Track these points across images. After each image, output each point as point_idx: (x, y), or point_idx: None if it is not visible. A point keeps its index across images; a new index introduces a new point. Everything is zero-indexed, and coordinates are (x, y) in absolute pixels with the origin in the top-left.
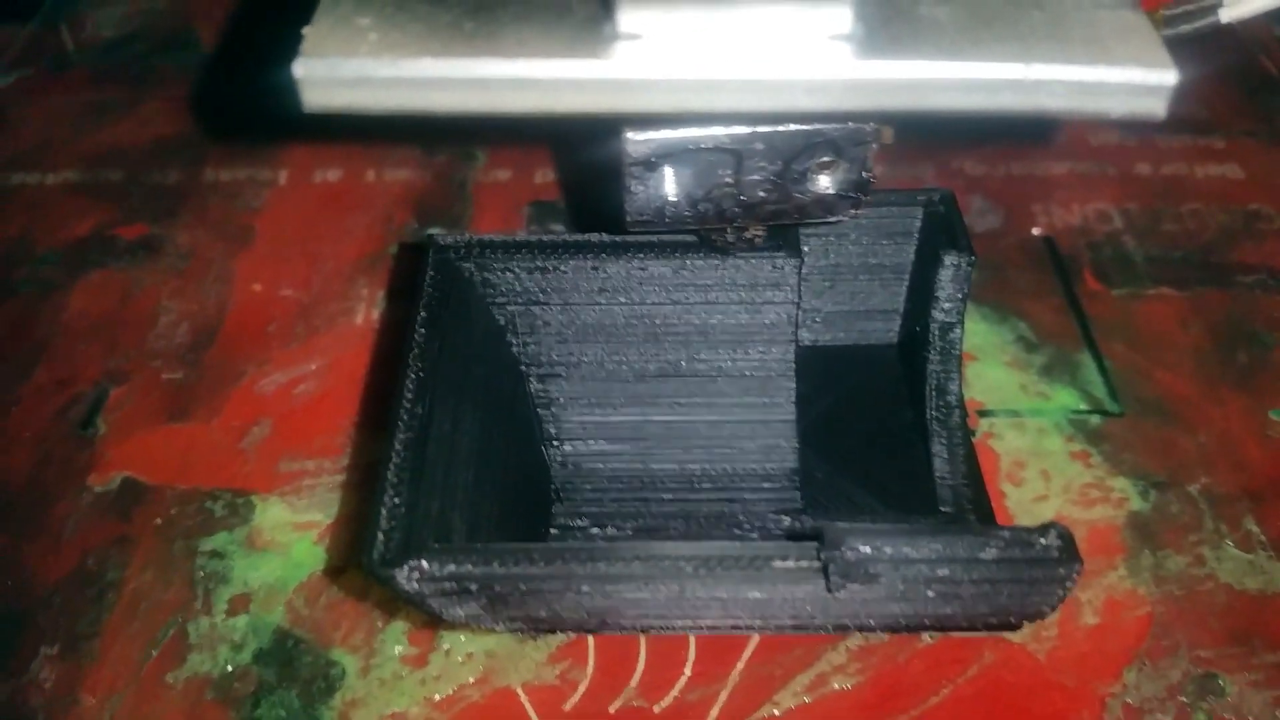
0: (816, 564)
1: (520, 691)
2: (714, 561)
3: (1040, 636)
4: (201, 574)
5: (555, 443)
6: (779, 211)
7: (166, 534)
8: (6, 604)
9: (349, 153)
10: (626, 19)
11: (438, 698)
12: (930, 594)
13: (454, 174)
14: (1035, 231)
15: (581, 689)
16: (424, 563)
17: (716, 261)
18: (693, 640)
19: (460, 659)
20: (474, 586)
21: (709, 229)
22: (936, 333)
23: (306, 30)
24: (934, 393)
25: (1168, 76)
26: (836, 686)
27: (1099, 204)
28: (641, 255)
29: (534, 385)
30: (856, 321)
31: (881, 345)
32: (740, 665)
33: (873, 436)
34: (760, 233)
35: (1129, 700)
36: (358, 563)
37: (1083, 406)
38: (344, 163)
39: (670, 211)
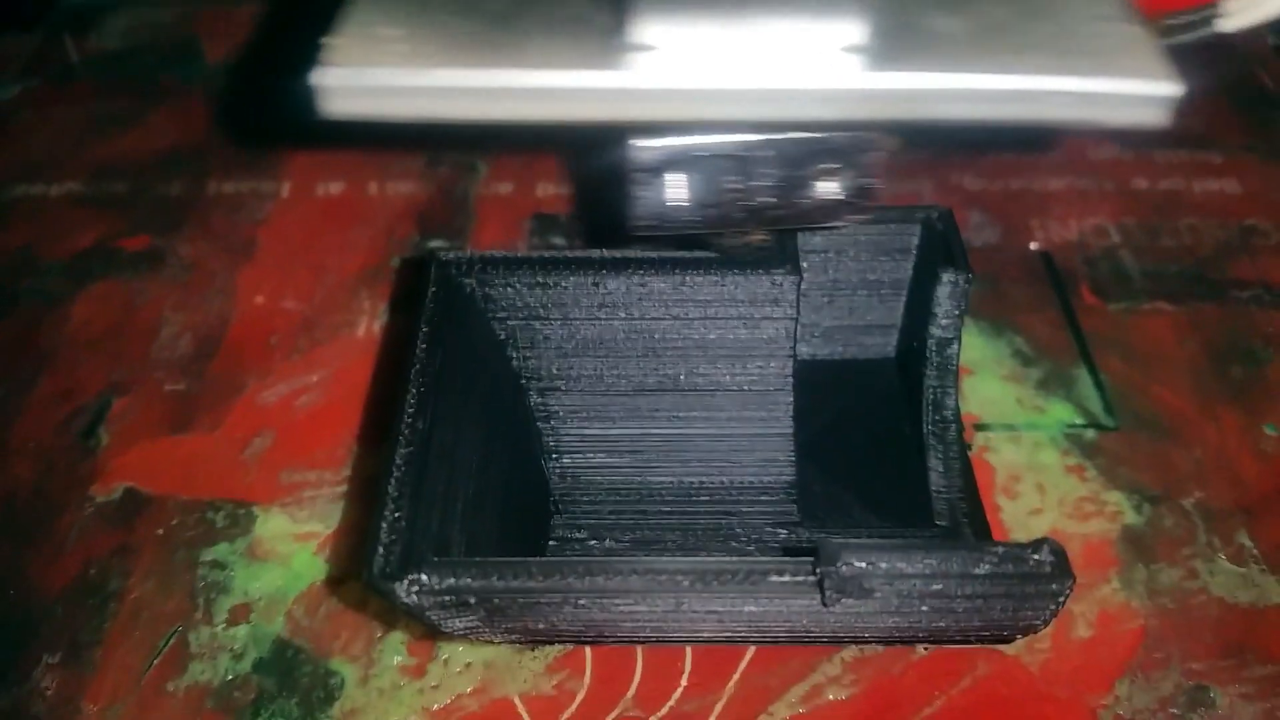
0: (812, 579)
1: (518, 702)
2: (710, 576)
3: (1033, 649)
4: (202, 584)
5: (554, 455)
6: (784, 217)
7: (168, 544)
8: (9, 613)
9: (351, 165)
10: (641, 30)
11: (436, 707)
12: (924, 608)
13: (456, 186)
14: (1032, 246)
15: (578, 699)
16: (423, 576)
17: (716, 278)
18: (689, 652)
19: (458, 669)
20: (472, 599)
21: (713, 234)
22: (934, 348)
23: (328, 40)
24: (930, 408)
25: (1172, 88)
26: (831, 697)
27: (1096, 219)
28: (641, 271)
29: (534, 399)
30: (855, 336)
31: (879, 359)
32: (736, 676)
33: (870, 450)
34: (764, 238)
35: (1120, 712)
36: (357, 574)
37: (1078, 421)
38: (346, 175)
39: (675, 217)
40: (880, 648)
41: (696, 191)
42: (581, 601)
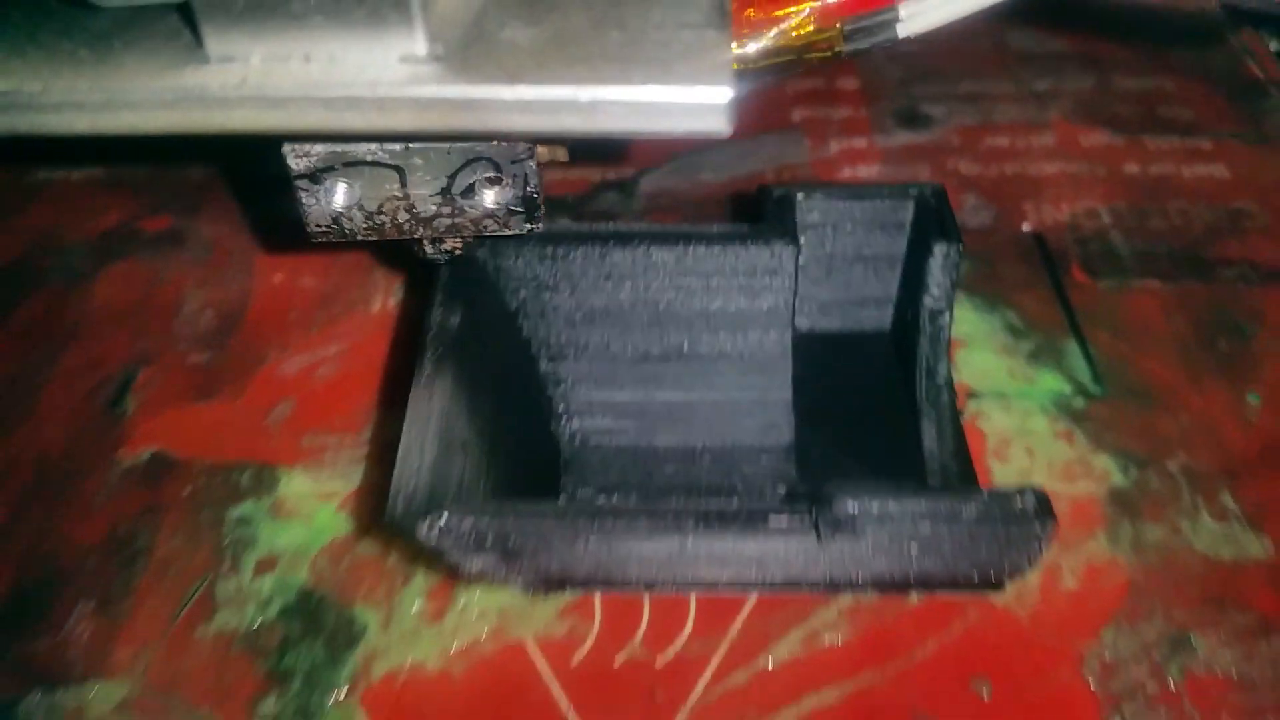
0: (808, 519)
1: (531, 644)
2: (713, 517)
3: (1023, 599)
4: (229, 539)
5: (564, 418)
6: (456, 225)
7: (194, 503)
8: (44, 568)
9: None
10: (214, 44)
11: (453, 650)
12: (914, 549)
13: None
14: (1025, 228)
15: (589, 643)
16: (444, 516)
17: (718, 249)
18: (693, 600)
19: (475, 614)
20: (490, 539)
21: (396, 241)
22: (926, 318)
23: None
24: (924, 375)
25: (722, 94)
26: (828, 642)
27: (1088, 202)
28: (646, 243)
29: (544, 365)
30: (851, 309)
31: (875, 332)
32: (738, 624)
33: (866, 416)
34: (457, 246)
35: (1105, 656)
36: (379, 526)
37: (1067, 390)
38: None
39: (347, 223)
40: (875, 598)
41: (361, 199)
42: (592, 540)
